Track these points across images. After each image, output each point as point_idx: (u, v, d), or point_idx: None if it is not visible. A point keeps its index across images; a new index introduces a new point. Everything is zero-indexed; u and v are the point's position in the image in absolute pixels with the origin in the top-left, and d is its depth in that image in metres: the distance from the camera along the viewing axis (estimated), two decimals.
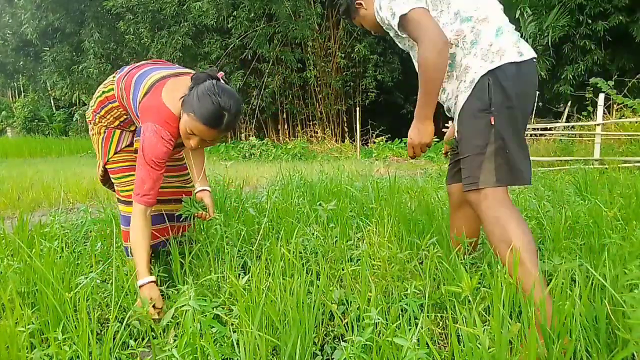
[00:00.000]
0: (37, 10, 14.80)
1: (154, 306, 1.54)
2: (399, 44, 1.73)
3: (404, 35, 1.57)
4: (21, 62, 19.52)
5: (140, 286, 1.57)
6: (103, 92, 1.83)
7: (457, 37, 1.49)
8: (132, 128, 1.88)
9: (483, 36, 1.47)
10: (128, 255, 1.89)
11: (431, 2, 1.53)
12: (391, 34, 1.67)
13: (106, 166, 1.90)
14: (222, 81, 1.64)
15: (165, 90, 1.65)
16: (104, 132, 1.87)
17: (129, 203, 1.85)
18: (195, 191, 1.91)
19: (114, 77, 1.84)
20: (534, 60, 1.50)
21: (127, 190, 1.87)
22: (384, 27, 1.65)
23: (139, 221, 1.63)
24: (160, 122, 1.60)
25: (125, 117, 1.84)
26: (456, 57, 1.51)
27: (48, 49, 15.66)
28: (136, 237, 1.62)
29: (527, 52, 1.48)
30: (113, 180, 1.91)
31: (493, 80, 1.43)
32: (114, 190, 2.03)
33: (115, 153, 1.88)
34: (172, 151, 1.67)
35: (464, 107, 1.49)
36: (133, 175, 1.86)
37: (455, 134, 1.61)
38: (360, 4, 1.73)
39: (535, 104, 1.63)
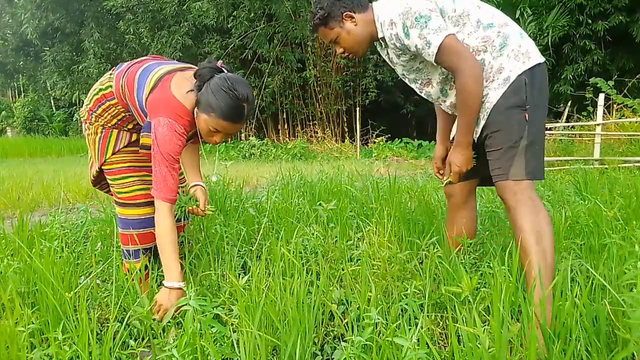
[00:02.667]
0: (37, 10, 14.79)
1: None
2: (396, 66, 1.73)
3: (418, 63, 1.64)
4: (21, 62, 19.53)
5: (171, 288, 1.54)
6: (100, 90, 1.78)
7: (485, 42, 1.55)
8: (130, 126, 1.83)
9: (511, 38, 1.55)
10: (126, 258, 1.86)
11: (453, 19, 1.57)
12: (398, 59, 1.68)
13: (102, 167, 1.85)
14: (225, 71, 1.63)
15: (173, 83, 1.62)
16: (101, 132, 1.81)
17: (127, 205, 1.82)
18: (188, 187, 1.89)
19: (111, 74, 1.79)
20: None
21: (125, 192, 1.82)
22: (396, 50, 1.63)
23: (166, 220, 1.59)
24: (173, 115, 1.57)
25: (123, 114, 1.79)
26: (485, 61, 1.56)
27: (48, 48, 15.65)
28: (167, 238, 1.58)
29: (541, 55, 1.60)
30: (110, 182, 1.86)
31: (529, 79, 1.51)
32: (107, 192, 1.99)
33: (113, 154, 1.82)
34: (185, 145, 1.64)
35: (497, 103, 1.54)
36: (132, 176, 1.83)
37: (474, 135, 1.65)
38: (352, 17, 1.64)
39: None
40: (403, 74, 1.76)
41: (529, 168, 1.51)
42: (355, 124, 11.99)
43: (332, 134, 13.28)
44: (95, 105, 1.80)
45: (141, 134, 1.70)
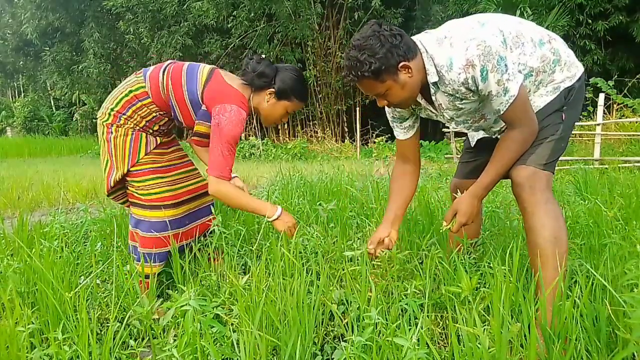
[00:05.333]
0: (37, 10, 14.81)
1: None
2: (444, 112, 1.56)
3: (475, 105, 1.52)
4: (21, 62, 19.56)
5: (278, 217, 1.78)
6: (130, 91, 1.80)
7: (544, 62, 1.50)
8: (155, 128, 1.87)
9: (560, 52, 1.54)
10: (139, 261, 1.83)
11: (512, 42, 1.47)
12: (452, 105, 1.53)
13: (132, 169, 1.84)
14: (270, 61, 1.85)
15: (225, 76, 1.83)
16: (132, 134, 1.83)
17: (154, 207, 1.84)
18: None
19: (137, 76, 1.83)
20: None
21: (154, 194, 1.84)
22: (458, 96, 1.49)
23: (229, 188, 1.76)
24: (238, 103, 1.76)
25: (154, 114, 1.83)
26: (543, 81, 1.53)
27: (48, 48, 15.67)
28: (236, 198, 1.78)
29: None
30: (136, 184, 1.85)
31: (577, 88, 1.55)
32: (122, 203, 2.00)
33: (146, 154, 1.85)
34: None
35: (543, 109, 1.53)
36: (161, 177, 1.88)
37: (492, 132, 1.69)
38: (409, 67, 1.42)
39: None
40: (451, 118, 1.61)
41: (548, 160, 1.50)
42: (355, 123, 11.99)
43: (332, 134, 13.28)
44: (124, 107, 1.81)
45: (197, 122, 1.85)
